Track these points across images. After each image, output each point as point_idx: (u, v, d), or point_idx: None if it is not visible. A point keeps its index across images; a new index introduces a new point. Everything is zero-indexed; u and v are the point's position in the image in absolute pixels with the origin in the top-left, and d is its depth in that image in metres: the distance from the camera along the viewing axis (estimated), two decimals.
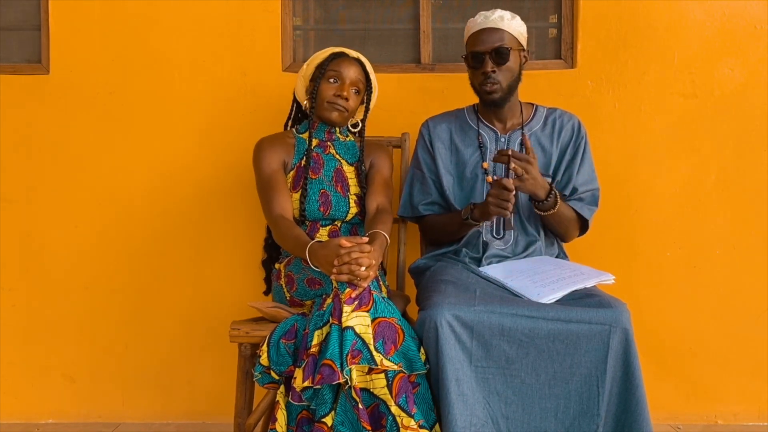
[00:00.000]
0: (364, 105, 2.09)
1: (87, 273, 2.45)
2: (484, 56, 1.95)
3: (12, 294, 2.46)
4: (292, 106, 2.15)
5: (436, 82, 2.42)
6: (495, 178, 1.88)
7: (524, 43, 2.02)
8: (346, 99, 1.97)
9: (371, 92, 2.06)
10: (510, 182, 1.80)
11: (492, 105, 2.02)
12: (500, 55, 1.94)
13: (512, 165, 1.81)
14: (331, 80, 1.98)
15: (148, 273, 2.45)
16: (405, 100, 2.41)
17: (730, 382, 2.42)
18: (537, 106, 2.12)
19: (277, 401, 1.66)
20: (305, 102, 2.05)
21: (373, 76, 2.06)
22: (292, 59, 2.48)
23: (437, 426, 1.62)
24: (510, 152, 1.81)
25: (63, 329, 2.46)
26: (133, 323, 2.46)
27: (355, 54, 2.03)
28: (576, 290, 1.76)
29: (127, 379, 2.47)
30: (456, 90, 2.37)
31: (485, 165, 2.04)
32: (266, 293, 2.11)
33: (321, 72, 1.98)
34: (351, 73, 1.98)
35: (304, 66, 2.05)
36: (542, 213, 1.94)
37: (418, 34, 2.50)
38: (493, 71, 1.95)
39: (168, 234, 2.44)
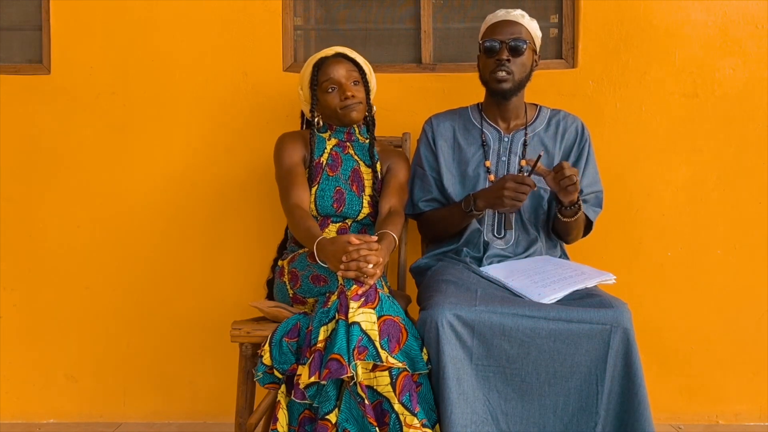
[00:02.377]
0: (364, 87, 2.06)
1: (88, 273, 2.45)
2: (501, 44, 1.97)
3: (13, 294, 2.47)
4: (303, 122, 2.17)
5: (437, 82, 2.42)
6: (524, 172, 1.88)
7: (538, 46, 2.05)
8: (353, 95, 1.98)
9: (365, 74, 2.06)
10: (533, 181, 1.82)
11: (500, 95, 2.02)
12: (517, 47, 1.96)
13: (540, 168, 1.83)
14: (330, 90, 1.99)
15: (150, 273, 2.45)
16: (406, 100, 2.41)
17: (731, 382, 2.42)
18: (540, 107, 2.13)
19: (278, 401, 1.67)
20: (317, 119, 2.05)
21: (359, 59, 2.05)
22: (293, 59, 2.48)
23: (437, 427, 1.63)
24: (564, 165, 1.80)
25: (64, 329, 2.46)
26: (135, 323, 2.46)
27: (332, 51, 2.03)
28: (577, 290, 1.76)
29: (128, 379, 2.47)
30: (457, 90, 2.37)
31: (488, 163, 2.04)
32: (267, 298, 2.10)
33: (316, 88, 2.00)
34: (341, 71, 1.99)
35: (300, 92, 2.08)
36: (566, 219, 1.94)
37: (419, 34, 2.50)
38: (508, 60, 1.96)
39: (169, 234, 2.45)
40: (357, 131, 2.08)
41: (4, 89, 2.43)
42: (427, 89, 2.42)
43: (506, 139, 2.07)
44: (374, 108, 2.08)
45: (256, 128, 2.40)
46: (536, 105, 2.13)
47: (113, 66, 2.43)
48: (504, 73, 1.97)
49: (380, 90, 2.35)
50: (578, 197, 1.91)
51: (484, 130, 2.08)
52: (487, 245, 2.01)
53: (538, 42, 2.05)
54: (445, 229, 2.06)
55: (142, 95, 2.43)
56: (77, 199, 2.44)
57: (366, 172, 2.04)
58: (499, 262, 2.00)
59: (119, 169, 2.44)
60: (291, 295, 1.90)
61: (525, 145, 2.05)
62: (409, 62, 2.51)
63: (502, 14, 2.02)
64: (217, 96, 2.43)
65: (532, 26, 2.02)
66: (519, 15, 2.00)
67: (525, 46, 1.97)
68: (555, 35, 2.50)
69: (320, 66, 2.01)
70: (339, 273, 1.65)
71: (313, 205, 1.96)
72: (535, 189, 1.85)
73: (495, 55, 1.98)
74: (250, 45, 2.42)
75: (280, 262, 1.99)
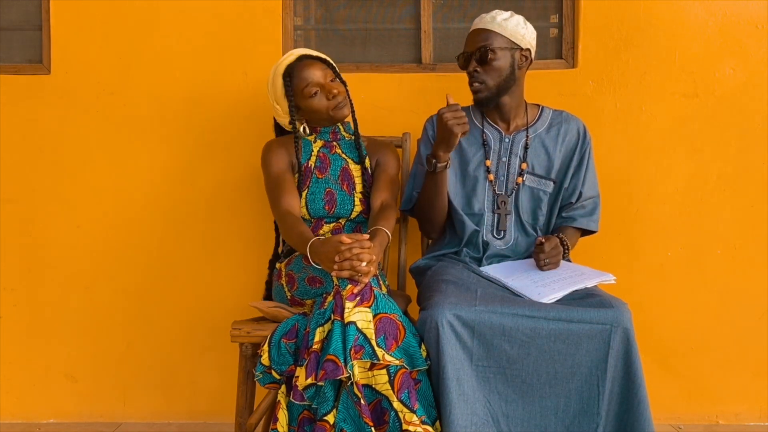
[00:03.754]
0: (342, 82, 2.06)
1: (88, 273, 2.45)
2: (469, 57, 1.99)
3: (13, 294, 2.47)
4: (276, 131, 2.15)
5: (437, 82, 2.42)
6: (449, 103, 1.89)
7: (523, 42, 1.99)
8: (337, 92, 1.97)
9: (336, 69, 2.04)
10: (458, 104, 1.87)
11: (479, 104, 2.04)
12: (482, 56, 1.96)
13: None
14: (313, 95, 1.97)
15: (150, 273, 2.45)
16: (406, 100, 2.41)
17: (731, 382, 2.42)
18: (543, 107, 2.12)
19: (278, 401, 1.67)
20: (302, 126, 2.03)
21: (323, 56, 2.03)
22: None
23: (437, 423, 1.63)
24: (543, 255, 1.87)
25: (64, 329, 2.46)
26: (135, 323, 2.46)
27: (295, 56, 2.00)
28: (577, 290, 1.76)
29: (128, 379, 2.47)
30: (457, 90, 2.35)
31: (488, 163, 2.04)
32: (265, 298, 2.10)
33: (294, 96, 1.97)
34: (317, 72, 1.97)
35: (275, 106, 2.04)
36: None
37: (419, 33, 2.50)
38: (476, 71, 1.97)
39: (169, 234, 2.45)
40: (342, 129, 2.08)
41: (4, 89, 2.43)
42: (427, 89, 2.42)
43: (507, 140, 2.06)
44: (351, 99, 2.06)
45: (256, 128, 2.40)
46: (538, 105, 2.13)
47: (113, 66, 2.43)
48: (477, 84, 1.99)
49: (380, 90, 2.35)
50: (564, 252, 1.95)
51: (485, 130, 2.08)
52: (486, 245, 2.01)
53: (520, 38, 1.98)
54: (428, 201, 2.00)
55: (141, 95, 2.43)
56: (77, 199, 2.44)
57: (355, 170, 2.04)
58: (498, 262, 2.00)
59: (119, 169, 2.44)
60: (289, 298, 1.90)
61: (526, 147, 2.05)
62: (409, 62, 2.50)
63: (475, 22, 2.02)
64: (216, 96, 2.43)
65: (508, 25, 1.96)
66: (489, 19, 1.98)
67: (491, 53, 1.95)
68: (555, 35, 2.50)
69: (292, 74, 1.97)
70: (333, 273, 1.65)
71: (305, 209, 1.96)
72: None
73: (466, 67, 2.01)
74: (250, 45, 2.42)
75: (278, 265, 2.00)
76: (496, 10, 2.01)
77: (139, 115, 2.43)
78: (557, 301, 1.72)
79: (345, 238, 1.65)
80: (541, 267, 1.88)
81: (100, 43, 2.42)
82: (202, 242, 2.45)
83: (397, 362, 1.57)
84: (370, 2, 2.53)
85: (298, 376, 1.61)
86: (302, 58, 2.00)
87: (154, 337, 2.46)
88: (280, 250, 2.12)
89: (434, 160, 1.91)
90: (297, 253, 1.92)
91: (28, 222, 2.45)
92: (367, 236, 1.68)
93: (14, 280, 2.46)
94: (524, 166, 2.03)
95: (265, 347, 1.70)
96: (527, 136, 2.06)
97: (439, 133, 1.88)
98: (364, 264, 1.62)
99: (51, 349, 2.47)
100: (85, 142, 2.44)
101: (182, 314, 2.45)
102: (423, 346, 1.65)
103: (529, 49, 2.02)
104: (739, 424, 2.43)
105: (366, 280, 1.63)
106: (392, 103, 2.40)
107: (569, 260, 2.05)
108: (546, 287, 1.77)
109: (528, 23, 2.01)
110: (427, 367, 1.64)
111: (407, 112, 2.40)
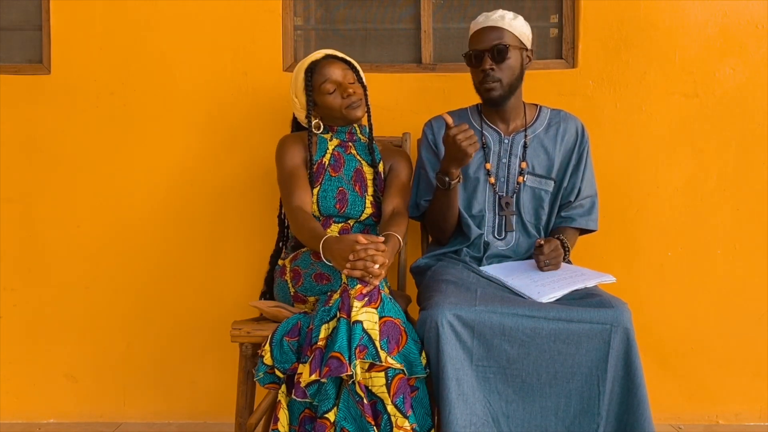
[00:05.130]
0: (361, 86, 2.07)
1: (88, 273, 2.45)
2: (483, 54, 1.95)
3: (13, 294, 2.47)
4: (293, 126, 2.16)
5: (438, 81, 2.42)
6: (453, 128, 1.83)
7: (527, 43, 2.02)
8: (353, 92, 1.98)
9: (359, 72, 2.06)
10: (466, 123, 1.84)
11: (492, 104, 2.02)
12: (499, 53, 1.94)
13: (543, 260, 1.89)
14: (329, 92, 1.98)
15: (150, 273, 2.45)
16: (406, 100, 2.41)
17: (731, 382, 2.42)
18: (541, 107, 2.12)
19: (279, 401, 1.67)
20: (316, 121, 2.04)
21: (349, 59, 2.05)
22: (293, 59, 2.48)
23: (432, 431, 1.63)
24: (543, 257, 1.88)
25: (64, 329, 2.46)
26: (135, 323, 2.46)
27: (321, 54, 2.03)
28: (577, 290, 1.76)
29: (128, 379, 2.47)
30: (457, 90, 2.37)
31: (488, 166, 2.04)
32: (264, 293, 2.10)
33: (311, 92, 1.99)
34: (337, 71, 1.99)
35: (294, 99, 2.06)
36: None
37: (419, 33, 2.50)
38: (492, 69, 1.95)
39: (169, 234, 2.45)
40: (358, 131, 2.08)
41: (4, 89, 2.43)
42: (427, 89, 2.42)
43: (506, 141, 2.06)
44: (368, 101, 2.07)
45: (256, 128, 2.40)
46: (536, 105, 2.12)
47: (113, 66, 2.43)
48: (491, 83, 1.95)
49: (380, 90, 2.35)
50: (565, 254, 1.95)
51: (484, 132, 2.08)
52: (487, 246, 2.01)
53: (526, 39, 2.01)
54: (441, 215, 2.00)
55: (142, 95, 2.43)
56: (77, 199, 2.44)
57: (368, 172, 2.05)
58: (498, 262, 2.01)
59: (119, 169, 2.44)
60: (292, 294, 1.90)
61: (525, 147, 2.05)
62: (409, 62, 2.51)
63: (481, 20, 2.00)
64: (217, 96, 2.43)
65: (516, 25, 1.97)
66: (498, 18, 1.97)
67: (508, 50, 1.94)
68: (555, 35, 2.50)
69: (313, 70, 2.00)
70: (344, 272, 1.65)
71: (315, 206, 1.96)
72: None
73: (479, 65, 1.96)
74: (250, 45, 2.42)
75: (281, 261, 2.00)
76: (501, 10, 2.00)
77: (139, 115, 2.43)
78: (557, 301, 1.72)
79: (361, 238, 1.66)
80: (541, 268, 1.88)
81: (101, 43, 2.42)
82: (201, 242, 2.45)
83: (398, 366, 1.58)
84: (369, 2, 2.53)
85: (300, 373, 1.61)
86: (327, 57, 2.02)
87: (154, 337, 2.46)
88: (282, 247, 2.12)
89: (447, 178, 1.89)
90: (304, 249, 1.93)
91: (28, 222, 2.45)
92: (382, 239, 1.69)
93: (14, 280, 2.46)
94: (524, 165, 2.03)
95: (267, 347, 1.70)
96: (526, 137, 2.06)
97: (450, 153, 1.84)
98: (377, 266, 1.63)
99: (51, 349, 2.47)
100: (85, 142, 2.44)
101: (182, 314, 2.45)
102: (423, 354, 1.65)
103: (531, 50, 2.04)
104: (739, 424, 2.43)
105: (376, 282, 1.64)
106: (392, 103, 2.40)
107: (570, 262, 2.05)
108: (546, 286, 1.77)
109: (527, 24, 2.02)
110: (425, 375, 1.64)
111: (407, 112, 2.40)
